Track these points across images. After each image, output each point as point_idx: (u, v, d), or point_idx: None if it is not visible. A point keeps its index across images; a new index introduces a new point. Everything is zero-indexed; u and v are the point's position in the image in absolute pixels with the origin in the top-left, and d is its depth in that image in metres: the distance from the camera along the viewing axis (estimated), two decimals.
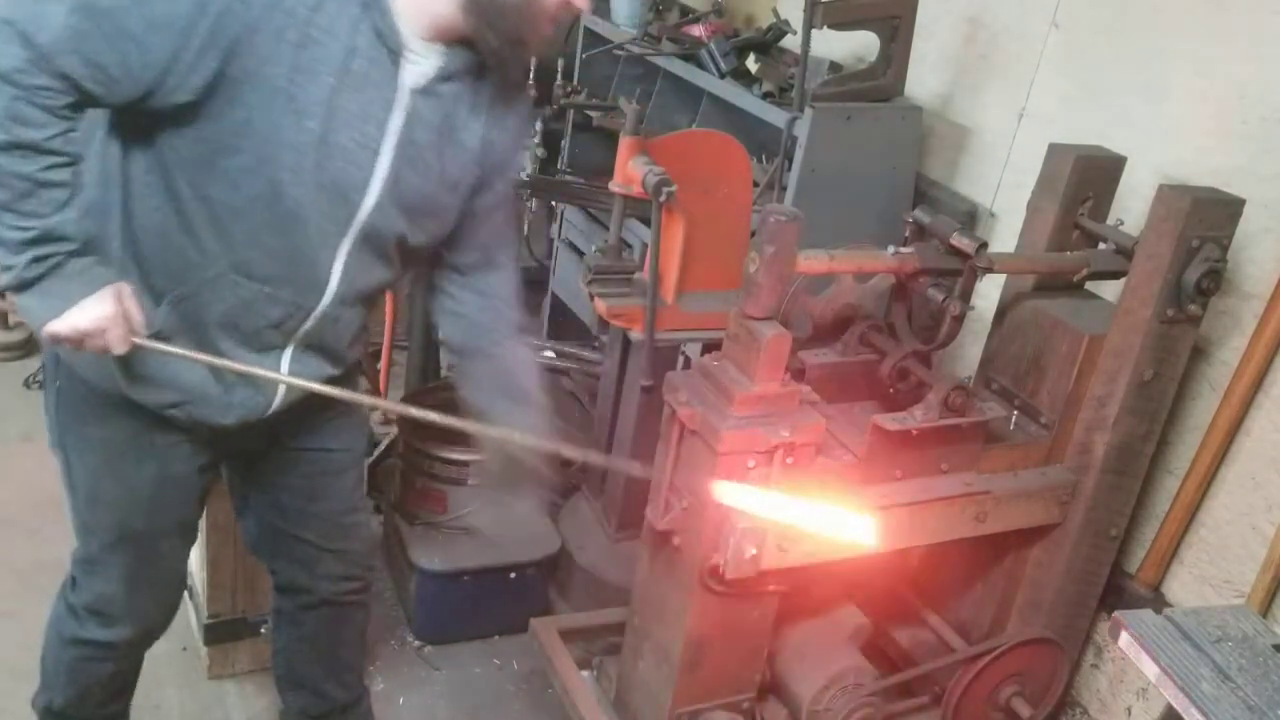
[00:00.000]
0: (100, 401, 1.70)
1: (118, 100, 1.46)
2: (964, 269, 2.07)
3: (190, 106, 1.46)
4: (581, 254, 3.60)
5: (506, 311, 1.86)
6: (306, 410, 1.82)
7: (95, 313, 1.49)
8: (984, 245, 2.06)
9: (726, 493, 1.83)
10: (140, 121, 1.51)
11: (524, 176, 3.62)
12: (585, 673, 2.40)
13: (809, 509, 1.84)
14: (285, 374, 1.71)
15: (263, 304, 1.62)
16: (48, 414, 1.79)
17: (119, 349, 1.53)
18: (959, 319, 2.10)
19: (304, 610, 2.09)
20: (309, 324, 1.68)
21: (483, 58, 1.58)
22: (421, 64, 1.55)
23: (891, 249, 2.09)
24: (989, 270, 2.08)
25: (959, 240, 2.07)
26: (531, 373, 1.85)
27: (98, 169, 1.57)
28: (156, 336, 1.59)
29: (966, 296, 2.09)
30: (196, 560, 2.50)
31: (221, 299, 1.61)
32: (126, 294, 1.53)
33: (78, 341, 1.51)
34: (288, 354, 1.70)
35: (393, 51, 1.51)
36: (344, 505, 2.02)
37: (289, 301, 1.64)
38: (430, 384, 3.12)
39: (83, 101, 1.43)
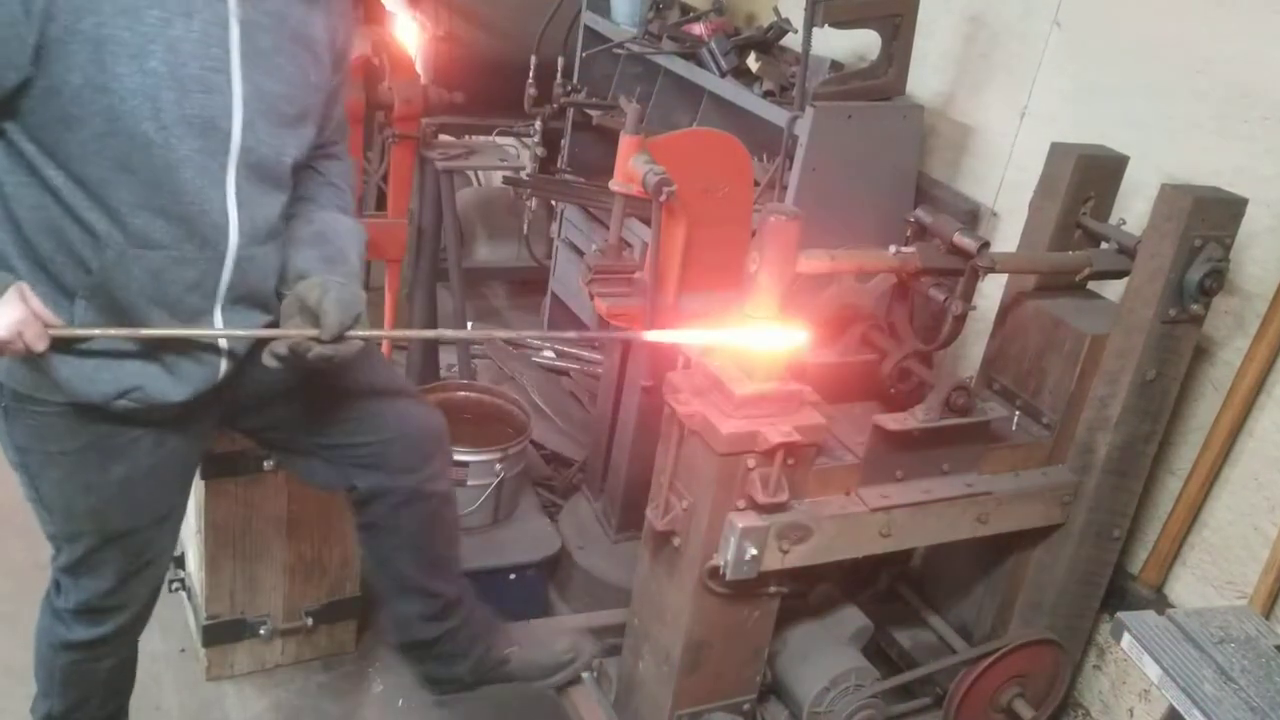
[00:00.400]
0: (50, 415, 1.66)
1: None
2: (966, 269, 2.07)
3: (23, 89, 1.42)
4: (581, 254, 3.59)
5: (334, 194, 1.84)
6: (261, 364, 1.73)
7: (6, 318, 1.45)
8: (986, 245, 2.06)
9: (655, 336, 2.09)
10: None
11: (524, 176, 3.61)
12: (585, 674, 2.40)
13: (735, 331, 1.92)
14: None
15: (173, 269, 1.58)
16: (0, 437, 1.74)
17: (40, 346, 1.49)
18: (961, 319, 2.10)
19: (395, 510, 2.02)
20: (226, 275, 1.63)
21: None
22: None
23: (893, 248, 2.08)
24: (991, 270, 2.07)
25: (961, 240, 2.06)
26: (352, 242, 1.80)
27: None
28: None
29: (968, 296, 2.08)
30: (195, 560, 2.49)
31: (131, 278, 1.56)
32: (28, 292, 1.50)
33: None
34: (217, 316, 1.66)
35: None
36: (370, 391, 1.95)
37: (196, 258, 1.59)
38: (430, 384, 3.10)
39: None
